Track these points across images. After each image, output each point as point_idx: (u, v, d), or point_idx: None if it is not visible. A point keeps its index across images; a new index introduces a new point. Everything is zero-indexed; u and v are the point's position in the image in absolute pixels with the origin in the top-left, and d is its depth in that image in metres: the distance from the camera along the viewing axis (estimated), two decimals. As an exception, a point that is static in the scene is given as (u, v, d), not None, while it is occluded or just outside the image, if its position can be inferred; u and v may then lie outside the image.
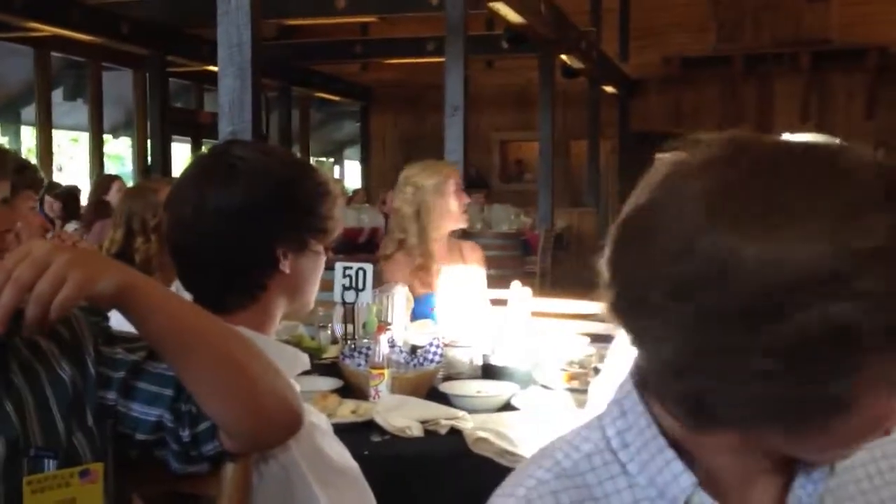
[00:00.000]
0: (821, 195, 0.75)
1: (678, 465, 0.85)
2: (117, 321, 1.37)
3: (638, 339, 0.84)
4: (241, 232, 1.53)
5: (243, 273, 1.56)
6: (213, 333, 1.25)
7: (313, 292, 1.66)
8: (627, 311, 0.84)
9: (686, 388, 0.81)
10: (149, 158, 11.95)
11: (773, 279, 0.73)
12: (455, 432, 2.29)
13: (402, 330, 3.00)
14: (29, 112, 12.39)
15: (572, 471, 0.89)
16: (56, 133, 12.51)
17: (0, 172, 1.22)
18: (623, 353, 2.04)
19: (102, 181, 6.57)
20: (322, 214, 1.60)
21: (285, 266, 1.56)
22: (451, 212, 3.55)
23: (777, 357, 0.74)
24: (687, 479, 0.85)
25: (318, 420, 1.50)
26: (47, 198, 6.91)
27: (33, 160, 10.07)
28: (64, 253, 1.11)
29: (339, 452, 1.49)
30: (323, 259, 1.65)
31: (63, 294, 1.08)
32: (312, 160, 15.19)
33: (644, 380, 0.88)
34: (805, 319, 0.72)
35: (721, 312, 0.75)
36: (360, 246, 7.77)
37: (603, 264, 0.88)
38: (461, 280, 3.59)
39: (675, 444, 0.86)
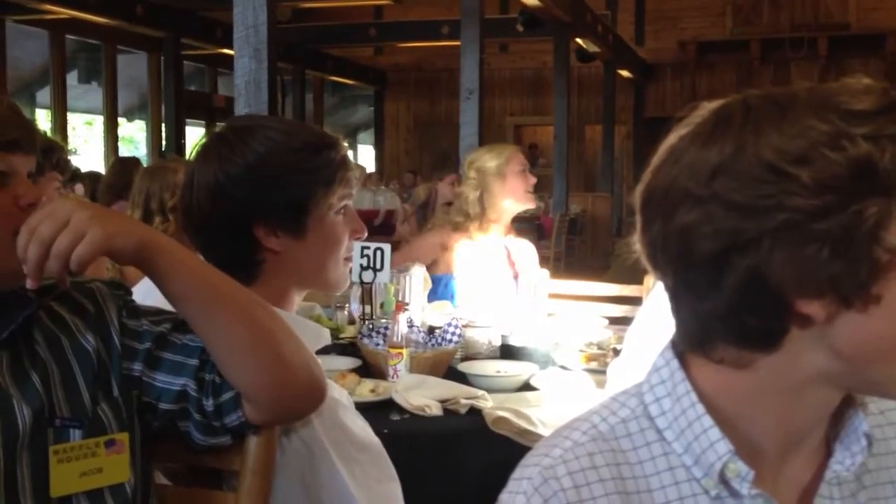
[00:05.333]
0: (815, 95, 0.81)
1: (716, 433, 0.85)
2: (141, 296, 1.38)
3: (688, 270, 0.83)
4: (215, 208, 1.51)
5: (226, 250, 1.52)
6: (237, 294, 1.26)
7: (332, 271, 1.60)
8: (669, 246, 0.84)
9: (738, 283, 0.80)
10: (163, 142, 11.98)
11: (792, 145, 0.78)
12: (474, 411, 2.29)
13: (420, 310, 3.00)
14: (44, 95, 12.43)
15: (608, 434, 0.89)
16: (71, 116, 12.55)
17: (29, 147, 1.22)
18: (647, 331, 2.04)
19: (122, 163, 6.53)
20: (304, 194, 1.52)
21: (273, 244, 1.52)
22: (516, 193, 3.55)
23: (811, 194, 0.76)
24: (724, 447, 0.84)
25: (339, 395, 1.49)
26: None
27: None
28: (85, 210, 1.13)
29: (362, 427, 1.49)
30: (337, 238, 1.58)
31: (82, 248, 1.10)
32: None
33: (689, 338, 0.88)
34: (827, 161, 0.77)
35: (753, 176, 0.79)
36: (376, 228, 7.78)
37: (637, 234, 0.88)
38: (507, 261, 3.58)
39: (714, 414, 0.86)
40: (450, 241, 3.56)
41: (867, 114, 0.78)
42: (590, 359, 2.80)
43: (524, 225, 9.86)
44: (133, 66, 12.90)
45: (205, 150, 1.55)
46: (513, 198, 3.55)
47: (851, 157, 0.76)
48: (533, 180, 3.63)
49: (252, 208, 1.51)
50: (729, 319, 0.82)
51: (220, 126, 1.64)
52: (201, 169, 1.53)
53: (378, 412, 2.21)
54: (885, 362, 0.82)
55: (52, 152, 2.73)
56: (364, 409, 1.86)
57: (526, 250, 3.71)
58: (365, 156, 18.97)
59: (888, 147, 0.77)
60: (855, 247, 0.76)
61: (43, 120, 12.12)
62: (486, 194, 3.52)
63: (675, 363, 0.89)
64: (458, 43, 6.89)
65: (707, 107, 0.86)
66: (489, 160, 3.55)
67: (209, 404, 1.25)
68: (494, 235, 3.58)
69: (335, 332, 3.02)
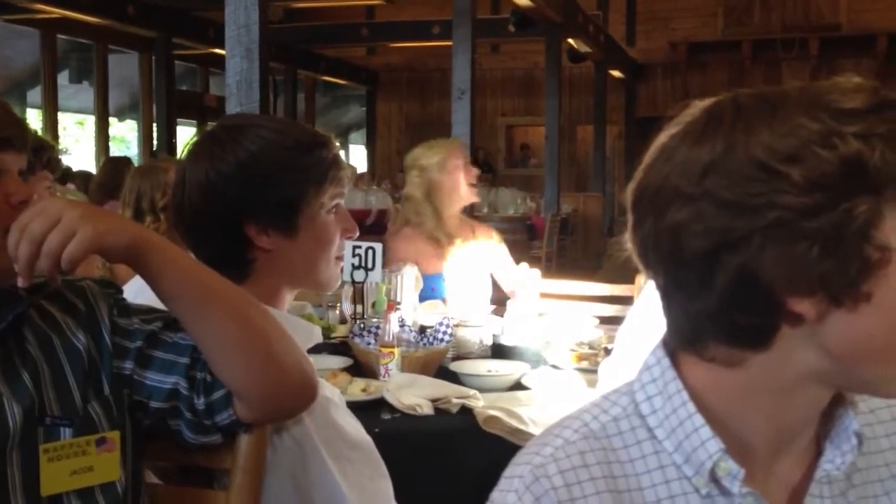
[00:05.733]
0: (806, 94, 0.81)
1: (707, 432, 0.85)
2: (132, 295, 1.38)
3: (679, 269, 0.83)
4: (207, 206, 1.51)
5: (217, 249, 1.52)
6: (228, 292, 1.26)
7: (324, 270, 1.60)
8: (660, 245, 0.84)
9: (729, 281, 0.80)
10: (154, 141, 11.96)
11: (783, 144, 0.78)
12: (466, 411, 2.29)
13: (412, 310, 3.00)
14: (35, 94, 12.39)
15: (600, 433, 0.89)
16: (62, 116, 12.51)
17: (20, 144, 1.22)
18: (638, 331, 2.04)
19: (113, 163, 6.52)
20: (295, 192, 1.53)
21: (264, 242, 1.52)
22: (459, 188, 3.51)
23: (801, 192, 0.77)
24: (714, 445, 0.85)
25: (331, 394, 1.49)
26: None
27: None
28: (76, 208, 1.13)
29: (354, 426, 1.48)
30: (329, 237, 1.58)
31: (73, 246, 1.10)
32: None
33: (680, 337, 0.88)
34: (818, 159, 0.77)
35: (744, 174, 0.79)
36: (367, 228, 7.79)
37: (628, 233, 0.88)
38: (472, 259, 3.57)
39: (705, 412, 0.86)
40: (413, 245, 3.52)
41: (858, 112, 0.78)
42: (581, 358, 2.80)
43: (516, 225, 9.89)
44: (124, 66, 12.85)
45: (197, 149, 1.55)
46: (456, 193, 3.51)
47: (842, 155, 0.76)
48: (475, 172, 3.59)
49: (243, 207, 1.51)
50: (720, 318, 0.82)
51: (211, 125, 1.64)
52: (193, 167, 1.53)
53: (369, 411, 2.21)
54: (876, 360, 0.82)
55: (43, 151, 2.73)
56: (355, 408, 1.85)
57: (488, 235, 3.68)
58: (357, 156, 18.95)
59: (878, 145, 0.77)
60: (845, 245, 0.77)
61: (34, 120, 12.08)
62: (433, 192, 3.48)
63: (666, 362, 0.89)
64: (449, 43, 6.89)
65: (698, 105, 0.86)
66: (430, 157, 3.50)
67: (200, 403, 1.25)
68: (452, 232, 3.54)
69: (326, 332, 3.02)
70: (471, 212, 3.96)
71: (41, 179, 2.70)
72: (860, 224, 0.76)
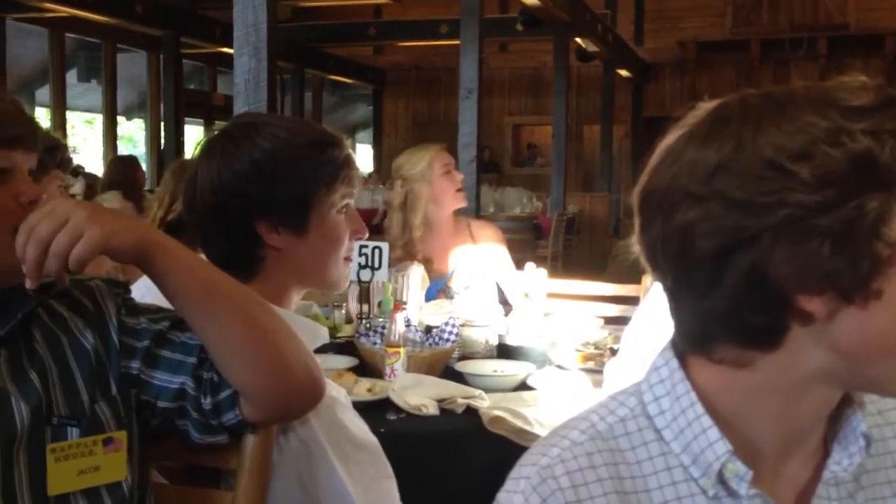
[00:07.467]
0: (813, 92, 0.81)
1: (715, 433, 0.85)
2: (140, 295, 1.39)
3: (689, 269, 0.83)
4: (219, 203, 1.52)
5: (227, 246, 1.54)
6: (235, 292, 1.26)
7: (332, 270, 1.60)
8: (669, 246, 0.84)
9: (739, 281, 0.80)
10: (162, 140, 11.98)
11: (791, 142, 0.78)
12: (471, 411, 2.29)
13: (417, 310, 3.00)
14: (43, 93, 12.42)
15: (607, 434, 0.89)
16: (70, 114, 12.54)
17: (30, 143, 1.22)
18: (645, 332, 2.04)
19: (121, 161, 6.51)
20: (307, 191, 1.53)
21: (275, 240, 1.53)
22: (445, 196, 3.47)
23: (811, 189, 0.77)
24: (722, 447, 0.85)
25: (337, 394, 1.49)
26: None
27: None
28: (84, 209, 1.13)
29: (359, 427, 1.48)
30: (338, 237, 1.59)
31: (80, 247, 1.10)
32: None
33: (689, 339, 0.88)
34: (828, 156, 0.77)
35: (754, 173, 0.79)
36: (374, 227, 7.80)
37: (636, 236, 0.88)
38: (475, 259, 3.56)
39: (713, 414, 0.86)
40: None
41: (866, 109, 0.78)
42: (586, 358, 2.80)
43: (521, 224, 9.88)
44: (133, 65, 12.90)
45: (210, 146, 1.56)
46: (443, 200, 3.47)
47: (851, 152, 0.76)
48: (460, 177, 3.53)
49: (255, 204, 1.52)
50: (729, 318, 0.82)
51: (224, 123, 1.65)
52: (206, 164, 1.54)
53: (375, 411, 2.21)
54: (886, 358, 0.82)
55: (56, 150, 2.72)
56: (361, 408, 1.85)
57: (487, 234, 3.66)
58: (363, 155, 18.94)
59: (888, 142, 0.77)
60: (856, 242, 0.77)
61: (43, 118, 12.11)
62: (409, 202, 3.44)
63: (674, 363, 0.89)
64: (457, 42, 6.87)
65: (703, 107, 0.86)
66: (412, 166, 3.45)
67: (207, 402, 1.25)
68: (442, 234, 3.51)
69: (332, 331, 3.02)
70: (476, 211, 3.92)
71: (54, 179, 2.69)
72: (870, 221, 0.76)
